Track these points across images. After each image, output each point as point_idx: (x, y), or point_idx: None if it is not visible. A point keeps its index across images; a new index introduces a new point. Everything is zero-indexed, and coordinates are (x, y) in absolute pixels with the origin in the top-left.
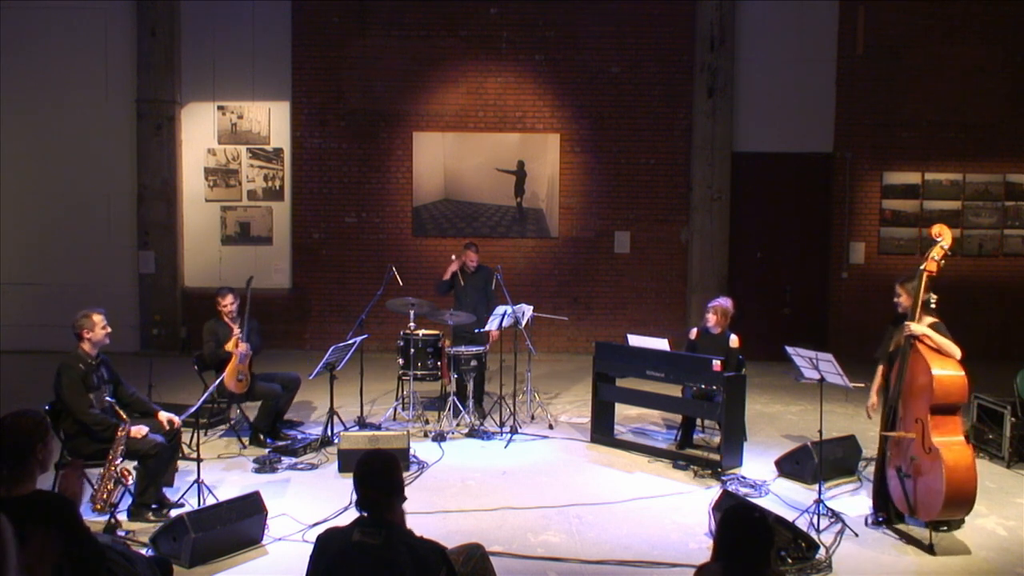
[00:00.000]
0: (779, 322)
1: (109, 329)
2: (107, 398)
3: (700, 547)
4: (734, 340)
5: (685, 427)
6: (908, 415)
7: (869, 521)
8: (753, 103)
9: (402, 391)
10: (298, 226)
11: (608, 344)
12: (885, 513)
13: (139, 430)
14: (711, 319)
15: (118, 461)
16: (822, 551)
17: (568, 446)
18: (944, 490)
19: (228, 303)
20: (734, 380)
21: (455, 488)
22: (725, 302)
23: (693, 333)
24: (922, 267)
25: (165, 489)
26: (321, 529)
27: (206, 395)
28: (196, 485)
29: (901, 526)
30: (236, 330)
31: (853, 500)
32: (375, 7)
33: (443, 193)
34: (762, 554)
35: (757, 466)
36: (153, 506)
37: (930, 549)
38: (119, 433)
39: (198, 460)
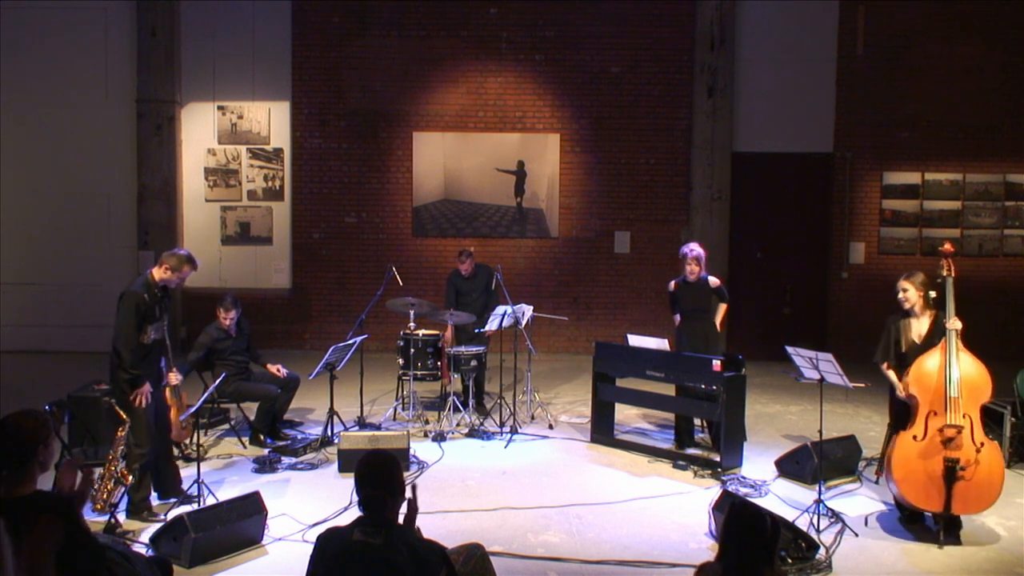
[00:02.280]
0: (779, 322)
1: (183, 283)
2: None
3: (700, 547)
4: (714, 281)
5: (679, 428)
6: (956, 409)
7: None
8: (753, 103)
9: (402, 391)
10: (298, 226)
11: (608, 344)
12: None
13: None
14: (695, 270)
15: (118, 461)
16: (822, 551)
17: (568, 446)
18: (1000, 482)
19: (230, 317)
20: (734, 380)
21: (455, 488)
22: (698, 249)
23: (672, 286)
24: (946, 274)
25: (172, 499)
26: (321, 529)
27: (205, 395)
28: (196, 485)
29: (901, 525)
30: (172, 377)
31: (853, 500)
32: (375, 7)
33: (443, 193)
34: (766, 553)
35: (757, 466)
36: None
37: (937, 537)
38: (119, 433)
39: (198, 460)
